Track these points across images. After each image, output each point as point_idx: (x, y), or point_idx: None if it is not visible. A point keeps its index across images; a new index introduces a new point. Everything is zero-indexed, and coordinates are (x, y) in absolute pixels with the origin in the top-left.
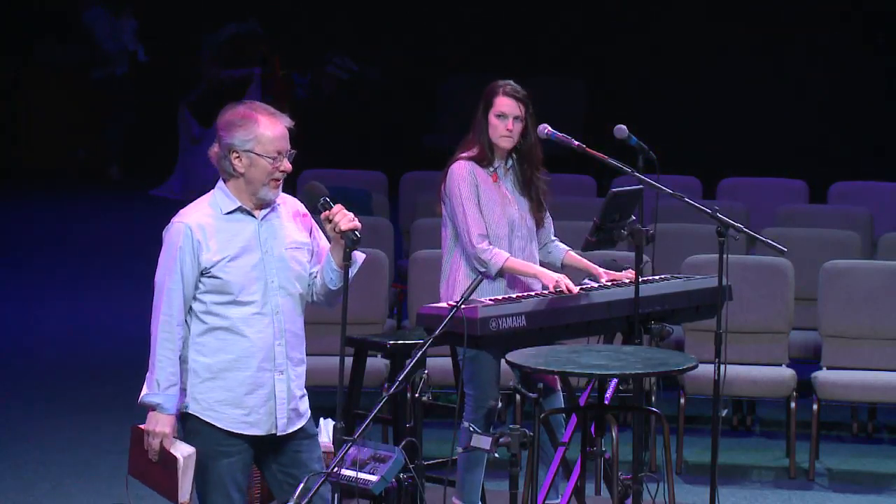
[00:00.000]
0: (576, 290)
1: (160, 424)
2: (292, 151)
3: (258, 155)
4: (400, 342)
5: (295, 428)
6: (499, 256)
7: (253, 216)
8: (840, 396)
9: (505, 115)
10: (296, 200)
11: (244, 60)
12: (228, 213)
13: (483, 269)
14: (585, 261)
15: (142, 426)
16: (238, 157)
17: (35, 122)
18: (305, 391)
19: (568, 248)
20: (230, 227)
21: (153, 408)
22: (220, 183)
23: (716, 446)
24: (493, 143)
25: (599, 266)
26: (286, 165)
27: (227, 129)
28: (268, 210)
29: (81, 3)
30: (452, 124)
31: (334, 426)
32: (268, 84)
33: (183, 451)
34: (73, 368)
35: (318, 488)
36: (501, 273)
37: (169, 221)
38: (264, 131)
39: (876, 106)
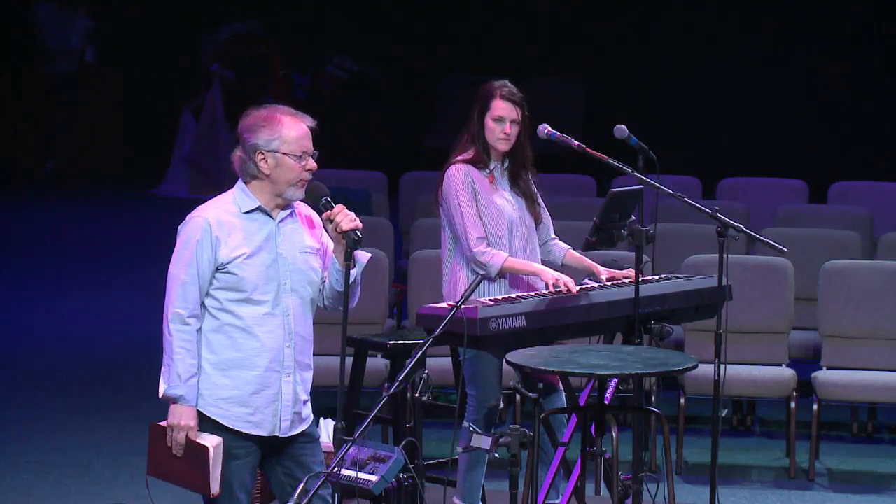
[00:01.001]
0: (575, 288)
1: (185, 417)
2: (316, 151)
3: (284, 154)
4: (400, 342)
5: (296, 431)
6: (497, 257)
7: (271, 217)
8: (840, 396)
9: (502, 118)
10: (308, 208)
11: (244, 60)
12: (247, 211)
13: (483, 272)
14: (586, 259)
15: (162, 423)
16: (264, 157)
17: (28, 122)
18: (309, 397)
19: (569, 247)
20: (248, 226)
21: (175, 401)
22: (240, 183)
23: (716, 446)
24: (490, 145)
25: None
26: (312, 164)
27: (250, 131)
28: (286, 214)
29: None
30: (452, 124)
31: (334, 426)
32: (245, 82)
33: (211, 441)
34: (72, 369)
35: (317, 489)
36: (502, 273)
37: (176, 219)
38: (288, 131)
39: (876, 106)
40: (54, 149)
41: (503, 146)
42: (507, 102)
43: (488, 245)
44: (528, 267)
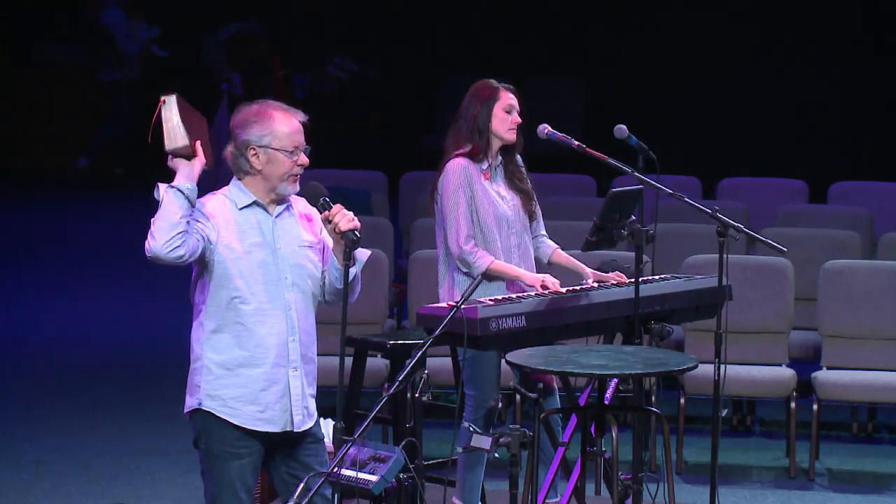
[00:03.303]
0: (561, 288)
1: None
2: (308, 147)
3: (275, 150)
4: (400, 342)
5: (306, 426)
6: (484, 259)
7: (268, 212)
8: (840, 396)
9: (512, 108)
10: (305, 202)
11: (244, 60)
12: (244, 207)
13: (466, 270)
14: (574, 260)
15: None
16: (255, 153)
17: (35, 123)
18: (315, 391)
19: (556, 247)
20: (245, 222)
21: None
22: (235, 180)
23: (716, 446)
24: (498, 136)
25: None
26: (304, 159)
27: (242, 127)
28: (282, 208)
29: (98, 2)
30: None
31: (334, 426)
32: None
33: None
34: (73, 369)
35: (318, 488)
36: (486, 275)
37: None
38: (280, 126)
39: (876, 106)
40: (94, 150)
41: (512, 136)
42: (511, 94)
43: (476, 245)
44: (512, 271)
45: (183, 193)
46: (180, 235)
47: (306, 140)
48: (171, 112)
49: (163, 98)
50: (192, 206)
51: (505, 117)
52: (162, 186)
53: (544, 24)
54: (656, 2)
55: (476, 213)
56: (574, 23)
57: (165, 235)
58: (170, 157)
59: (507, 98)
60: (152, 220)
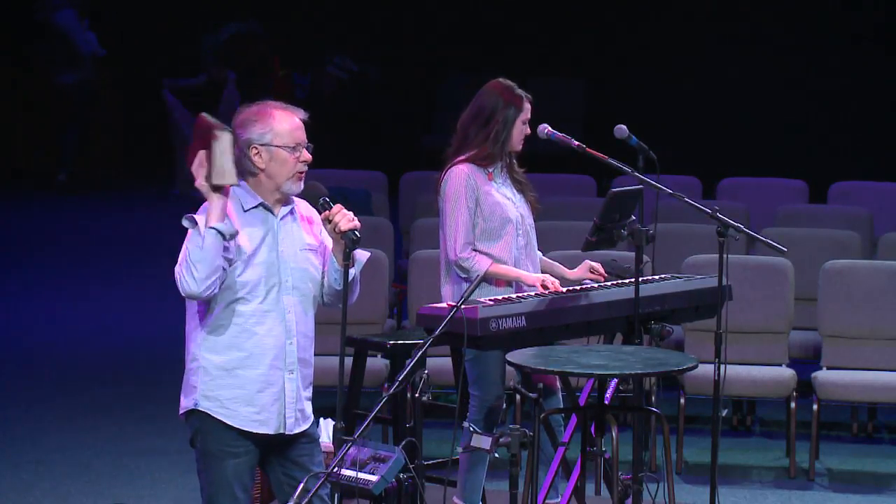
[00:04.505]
0: (560, 287)
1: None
2: (310, 144)
3: (277, 147)
4: (400, 342)
5: (301, 429)
6: (481, 263)
7: (273, 214)
8: (840, 396)
9: (527, 119)
10: (307, 204)
11: (244, 60)
12: (249, 209)
13: (464, 276)
14: (553, 262)
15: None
16: (257, 152)
17: (35, 123)
18: (311, 393)
19: (540, 255)
20: (250, 224)
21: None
22: (241, 182)
23: (716, 446)
24: (511, 145)
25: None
26: (306, 156)
27: (243, 127)
28: (287, 211)
29: (51, 4)
30: (452, 124)
31: (334, 426)
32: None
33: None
34: (73, 369)
35: (316, 489)
36: (485, 279)
37: (175, 219)
38: (280, 124)
39: (876, 106)
40: (69, 159)
41: (521, 146)
42: (530, 104)
43: (472, 251)
44: (511, 272)
45: (223, 235)
46: (219, 277)
47: (307, 138)
48: (224, 148)
49: (216, 133)
50: (228, 240)
51: (522, 129)
52: (200, 222)
53: (544, 24)
54: (656, 2)
55: (483, 217)
56: (574, 23)
57: (207, 280)
58: (200, 181)
59: (527, 111)
60: (187, 255)
